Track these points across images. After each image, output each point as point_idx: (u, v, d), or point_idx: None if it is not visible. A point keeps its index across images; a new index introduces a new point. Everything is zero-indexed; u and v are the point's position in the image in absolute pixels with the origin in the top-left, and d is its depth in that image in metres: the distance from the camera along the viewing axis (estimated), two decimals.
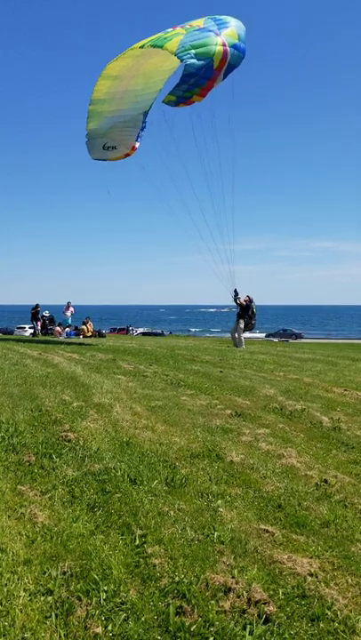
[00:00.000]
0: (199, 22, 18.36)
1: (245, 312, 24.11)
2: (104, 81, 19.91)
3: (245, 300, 24.14)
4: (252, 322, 24.62)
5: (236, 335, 24.23)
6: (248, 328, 24.91)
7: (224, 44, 17.38)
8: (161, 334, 59.87)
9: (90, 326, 35.29)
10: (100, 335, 35.05)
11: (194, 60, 16.80)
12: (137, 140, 20.52)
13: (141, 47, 18.42)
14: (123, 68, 19.38)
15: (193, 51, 16.90)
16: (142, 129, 20.28)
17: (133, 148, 20.79)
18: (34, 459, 6.35)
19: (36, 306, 35.26)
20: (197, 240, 21.43)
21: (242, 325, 24.09)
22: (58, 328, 34.65)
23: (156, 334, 60.33)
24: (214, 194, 21.17)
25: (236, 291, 23.84)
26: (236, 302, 24.05)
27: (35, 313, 35.22)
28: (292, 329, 78.63)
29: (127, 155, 21.06)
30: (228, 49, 17.45)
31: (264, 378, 13.07)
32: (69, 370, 13.82)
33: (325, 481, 5.90)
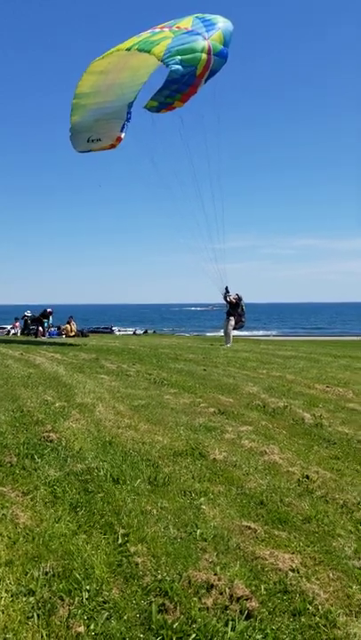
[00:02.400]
0: (187, 23, 18.25)
1: (235, 309, 24.20)
2: (89, 76, 19.81)
3: (235, 298, 24.21)
4: (243, 319, 24.67)
5: (227, 332, 24.33)
6: (239, 325, 24.95)
7: (209, 52, 17.34)
8: (110, 332, 57.21)
9: (73, 326, 35.12)
10: (83, 335, 34.90)
11: (179, 67, 16.76)
12: (122, 131, 20.41)
13: (128, 49, 18.31)
14: (109, 64, 19.30)
15: (179, 57, 16.84)
16: (127, 119, 20.16)
17: (118, 139, 20.69)
18: (15, 459, 6.31)
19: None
20: (189, 239, 21.67)
21: (232, 323, 24.18)
22: (40, 328, 34.41)
23: (104, 331, 57.30)
24: (204, 194, 21.29)
25: (227, 288, 23.91)
26: (225, 300, 24.12)
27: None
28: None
29: (112, 145, 20.95)
30: (213, 57, 17.43)
31: (247, 376, 13.13)
32: (52, 370, 13.75)
33: (307, 477, 5.95)
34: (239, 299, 24.33)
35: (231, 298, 24.13)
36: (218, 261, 22.44)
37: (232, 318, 24.14)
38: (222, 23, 18.42)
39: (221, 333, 28.69)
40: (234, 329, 24.61)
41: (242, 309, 24.42)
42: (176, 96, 17.93)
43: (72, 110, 20.45)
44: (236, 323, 24.34)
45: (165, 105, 18.19)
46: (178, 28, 18.14)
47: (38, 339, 31.20)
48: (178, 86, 17.45)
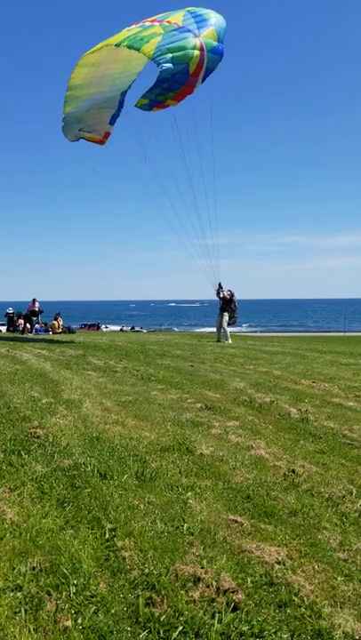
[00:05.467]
0: (178, 18, 17.99)
1: (228, 305, 24.32)
2: (81, 69, 19.69)
3: (228, 294, 24.32)
4: (235, 315, 24.79)
5: (222, 329, 24.39)
6: (232, 321, 25.05)
7: (202, 49, 17.08)
8: (97, 328, 57.18)
9: (60, 322, 34.98)
10: (70, 331, 34.80)
11: (170, 65, 16.51)
12: (110, 123, 20.28)
13: (117, 45, 18.13)
14: (100, 56, 19.19)
15: (169, 55, 16.57)
16: (119, 108, 20.02)
17: (107, 135, 20.61)
18: (2, 456, 6.29)
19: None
20: (182, 236, 21.64)
21: (226, 319, 24.28)
22: (28, 325, 34.23)
23: (91, 327, 57.36)
24: (196, 190, 21.27)
25: (220, 284, 23.97)
26: (218, 296, 24.20)
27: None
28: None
29: (101, 141, 20.91)
30: (206, 54, 17.19)
31: (234, 371, 13.18)
32: (38, 366, 13.69)
33: (293, 471, 6.00)
34: (232, 294, 24.47)
35: (225, 294, 24.24)
36: (211, 257, 22.54)
37: (226, 314, 24.26)
38: (214, 19, 18.16)
39: (213, 330, 28.79)
40: (228, 325, 24.72)
41: (234, 305, 24.57)
42: (168, 94, 17.70)
43: (65, 102, 20.32)
44: (229, 318, 24.46)
45: (157, 102, 17.96)
46: (168, 22, 17.90)
47: (25, 335, 31.04)
48: (169, 84, 17.23)
